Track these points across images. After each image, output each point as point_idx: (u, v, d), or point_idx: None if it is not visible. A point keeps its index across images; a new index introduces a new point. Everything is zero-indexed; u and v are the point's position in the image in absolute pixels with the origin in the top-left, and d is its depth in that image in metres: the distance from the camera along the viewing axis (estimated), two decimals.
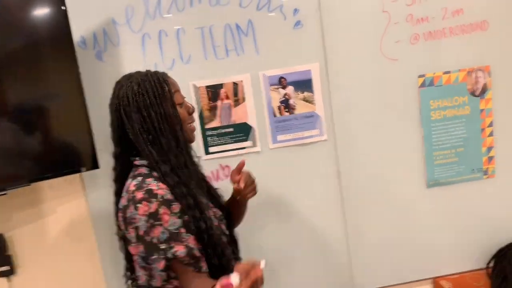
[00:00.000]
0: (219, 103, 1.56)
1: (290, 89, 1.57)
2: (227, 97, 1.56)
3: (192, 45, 1.53)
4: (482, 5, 1.57)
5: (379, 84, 1.61)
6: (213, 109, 1.56)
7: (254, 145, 1.59)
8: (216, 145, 1.58)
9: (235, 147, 1.59)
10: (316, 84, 1.58)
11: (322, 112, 1.60)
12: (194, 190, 1.11)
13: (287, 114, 1.59)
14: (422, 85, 1.61)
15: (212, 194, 1.28)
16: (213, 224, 1.13)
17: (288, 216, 1.65)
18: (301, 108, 1.59)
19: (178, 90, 1.16)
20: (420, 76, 1.60)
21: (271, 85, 1.57)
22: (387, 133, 1.63)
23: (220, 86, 1.55)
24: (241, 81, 1.56)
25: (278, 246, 1.65)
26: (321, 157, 1.63)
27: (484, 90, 1.62)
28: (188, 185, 1.10)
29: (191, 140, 1.18)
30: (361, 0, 1.56)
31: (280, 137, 1.60)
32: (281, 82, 1.57)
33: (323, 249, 1.68)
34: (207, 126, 1.57)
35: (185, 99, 1.17)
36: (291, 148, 1.61)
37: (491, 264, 1.66)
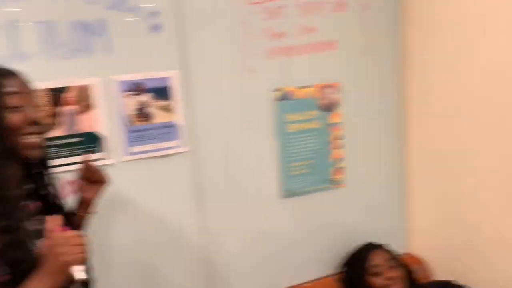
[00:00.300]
0: (62, 109, 1.36)
1: (147, 96, 1.46)
2: (73, 103, 1.37)
3: (30, 41, 1.31)
4: (332, 25, 1.69)
5: (239, 95, 1.60)
6: (55, 115, 1.36)
7: (105, 157, 1.43)
8: (59, 158, 1.37)
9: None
10: (176, 92, 1.49)
11: (182, 121, 1.52)
12: (15, 211, 0.93)
13: (144, 123, 1.47)
14: (278, 98, 1.65)
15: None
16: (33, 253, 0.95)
17: (147, 229, 1.53)
18: (159, 117, 1.48)
19: (18, 92, 0.96)
20: (276, 90, 1.64)
21: (126, 91, 1.43)
22: (247, 144, 1.63)
23: (64, 89, 1.36)
24: (91, 85, 1.39)
25: (136, 261, 1.52)
26: (181, 169, 1.54)
27: (333, 105, 1.73)
28: (7, 203, 0.91)
29: (25, 155, 0.98)
30: (221, 10, 1.53)
31: (135, 148, 1.47)
32: (138, 88, 1.45)
33: (183, 260, 1.59)
34: (48, 136, 1.35)
35: (30, 106, 0.98)
36: (148, 160, 1.49)
37: (342, 269, 1.75)
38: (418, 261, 1.86)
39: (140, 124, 1.46)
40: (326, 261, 1.80)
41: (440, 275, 1.80)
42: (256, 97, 1.62)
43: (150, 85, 1.46)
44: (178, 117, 1.51)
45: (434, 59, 1.68)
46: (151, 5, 1.44)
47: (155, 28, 1.45)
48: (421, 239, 1.90)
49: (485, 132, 1.52)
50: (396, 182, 1.89)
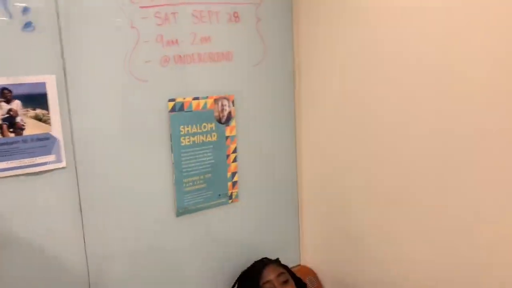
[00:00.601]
0: None
1: (16, 104, 1.26)
2: None
3: None
4: (227, 36, 1.64)
5: (127, 105, 1.47)
6: None
7: None
8: None
9: None
10: (53, 100, 1.31)
11: (60, 134, 1.34)
12: None
13: (12, 135, 1.26)
14: (172, 109, 1.56)
15: None
16: None
17: (23, 257, 1.33)
18: (32, 128, 1.29)
19: None
20: (170, 100, 1.55)
21: None
22: (136, 159, 1.50)
23: None
24: None
25: None
26: (58, 188, 1.36)
27: (229, 118, 1.69)
28: None
29: None
30: (107, 10, 1.39)
31: (1, 165, 1.25)
32: (5, 94, 1.24)
33: None
34: None
35: None
36: (17, 179, 1.28)
37: (236, 287, 1.71)
38: (311, 272, 1.89)
39: (7, 136, 1.25)
40: (222, 279, 1.73)
41: (332, 285, 1.84)
42: (148, 108, 1.51)
43: (21, 91, 1.26)
44: (54, 129, 1.32)
45: (325, 71, 1.72)
46: (24, 4, 1.25)
47: (28, 27, 1.26)
48: (312, 251, 1.93)
49: (373, 149, 1.59)
50: (289, 195, 1.91)
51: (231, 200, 1.73)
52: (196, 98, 1.60)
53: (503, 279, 1.27)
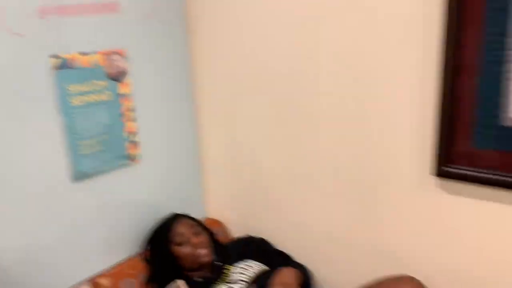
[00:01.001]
0: None
1: None
2: None
3: None
4: None
5: (3, 65, 1.29)
6: None
7: None
8: None
9: None
10: None
11: None
12: None
13: None
14: (57, 67, 1.41)
15: None
16: None
17: None
18: None
19: None
20: (53, 57, 1.40)
21: None
22: (21, 124, 1.35)
23: None
24: None
25: None
26: None
27: (122, 74, 1.59)
28: None
29: None
30: None
31: None
32: None
33: None
34: None
35: None
36: None
37: (147, 247, 1.67)
38: (217, 223, 1.94)
39: None
40: (131, 241, 1.69)
41: (238, 233, 1.91)
42: (29, 66, 1.34)
43: None
44: None
45: (221, 21, 1.70)
46: None
47: None
48: (218, 203, 1.97)
49: (275, 97, 1.63)
50: (191, 151, 1.89)
51: (132, 161, 1.66)
52: (83, 54, 1.47)
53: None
